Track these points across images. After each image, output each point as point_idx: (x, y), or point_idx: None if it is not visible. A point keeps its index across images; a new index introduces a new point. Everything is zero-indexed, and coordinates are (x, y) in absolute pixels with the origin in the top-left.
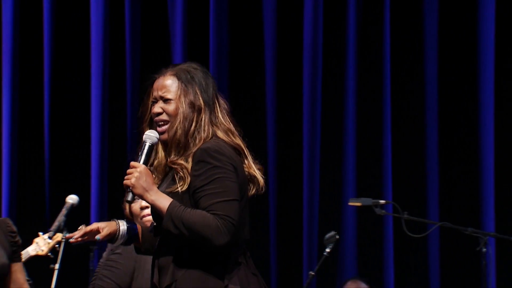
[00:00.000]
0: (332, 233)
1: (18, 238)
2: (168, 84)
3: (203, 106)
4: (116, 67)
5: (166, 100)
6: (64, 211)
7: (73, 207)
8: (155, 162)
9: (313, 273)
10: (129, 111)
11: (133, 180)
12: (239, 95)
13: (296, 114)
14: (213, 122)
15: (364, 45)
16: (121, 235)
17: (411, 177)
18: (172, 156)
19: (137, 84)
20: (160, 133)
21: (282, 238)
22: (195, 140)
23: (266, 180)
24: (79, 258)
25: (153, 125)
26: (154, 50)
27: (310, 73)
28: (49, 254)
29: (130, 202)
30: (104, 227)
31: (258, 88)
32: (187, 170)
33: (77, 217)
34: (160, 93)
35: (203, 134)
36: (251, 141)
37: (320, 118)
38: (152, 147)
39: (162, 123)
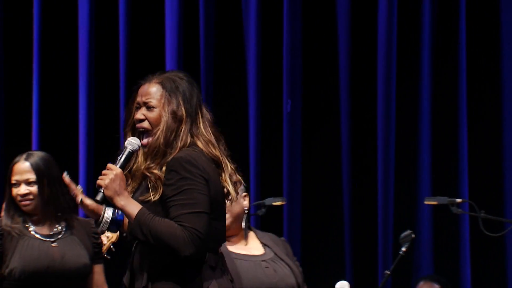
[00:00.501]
0: (408, 232)
1: (101, 239)
2: (153, 92)
3: (184, 117)
4: (190, 66)
5: (149, 108)
6: None
7: None
8: (134, 167)
9: (388, 273)
10: None
11: (106, 181)
12: (312, 93)
13: (370, 113)
14: (193, 133)
15: (439, 43)
16: (104, 221)
17: (488, 175)
18: (148, 163)
19: (211, 82)
20: (144, 146)
21: (357, 238)
22: (171, 149)
23: (340, 180)
24: None
25: (135, 130)
26: (228, 49)
27: (384, 72)
28: (105, 255)
29: (99, 203)
30: (89, 202)
31: (331, 87)
32: (160, 180)
33: None
34: (144, 99)
35: (179, 144)
36: (325, 139)
37: (395, 117)
38: (132, 153)
39: (143, 131)
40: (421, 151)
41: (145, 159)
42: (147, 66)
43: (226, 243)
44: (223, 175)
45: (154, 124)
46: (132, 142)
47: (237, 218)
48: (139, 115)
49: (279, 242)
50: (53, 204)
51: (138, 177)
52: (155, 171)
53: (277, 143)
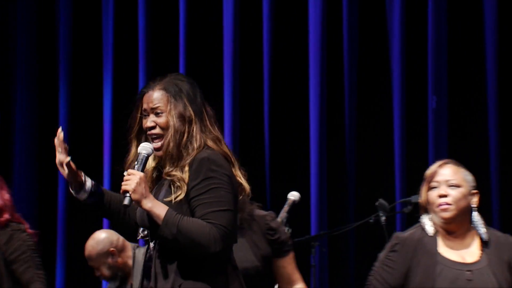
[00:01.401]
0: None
1: (278, 234)
2: (158, 98)
3: (193, 117)
4: (333, 64)
5: (157, 114)
6: (286, 207)
7: (294, 203)
8: (144, 170)
9: None
10: (347, 108)
11: (133, 185)
12: (458, 89)
13: None
14: (203, 131)
15: None
16: (86, 189)
17: None
18: (167, 168)
19: (354, 81)
20: (156, 149)
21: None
22: (187, 150)
23: (488, 176)
24: (300, 253)
25: (140, 137)
26: (372, 47)
27: None
28: None
29: (127, 207)
30: (72, 166)
31: (477, 83)
32: (184, 181)
33: (297, 213)
34: (150, 106)
35: (195, 144)
36: (472, 135)
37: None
38: (148, 158)
39: (156, 136)
40: None
41: (163, 165)
42: (291, 66)
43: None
44: (233, 170)
45: (165, 128)
46: (145, 147)
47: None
48: (149, 122)
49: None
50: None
51: (148, 179)
52: (176, 173)
53: (422, 139)
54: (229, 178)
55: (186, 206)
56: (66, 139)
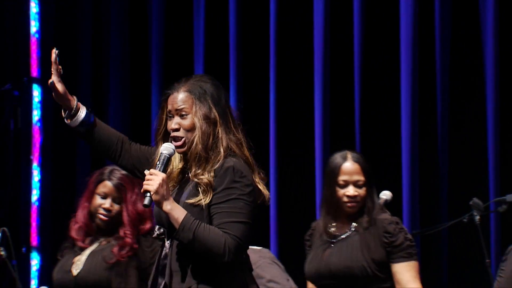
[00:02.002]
0: None
1: (393, 239)
2: (183, 99)
3: (218, 119)
4: (425, 62)
5: (182, 115)
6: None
7: (386, 203)
8: (168, 170)
9: None
10: (439, 107)
11: (155, 186)
12: None
13: None
14: (227, 133)
15: None
16: (76, 119)
17: None
18: (194, 169)
19: (447, 79)
20: (177, 147)
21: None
22: (214, 153)
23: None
24: None
25: (166, 139)
26: (464, 46)
27: None
28: None
29: (147, 207)
30: (63, 89)
31: None
32: (211, 186)
33: (391, 212)
34: (175, 107)
35: (221, 147)
36: None
37: None
38: (170, 158)
39: (178, 139)
40: None
41: (189, 166)
42: (382, 64)
43: None
44: (254, 175)
45: (189, 130)
46: (167, 147)
47: None
48: (174, 124)
49: None
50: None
51: (172, 180)
52: (204, 176)
53: None
54: (251, 190)
55: (206, 212)
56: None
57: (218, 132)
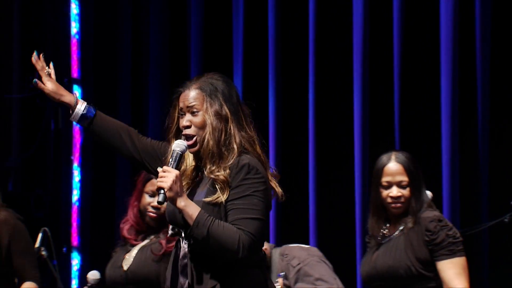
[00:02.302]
0: None
1: (434, 236)
2: (194, 97)
3: (229, 115)
4: (465, 62)
5: (193, 112)
6: None
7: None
8: (182, 167)
9: None
10: (479, 107)
11: (169, 183)
12: None
13: None
14: (239, 130)
15: None
16: (76, 113)
17: None
18: (209, 167)
19: (487, 79)
20: (189, 146)
21: None
22: (228, 150)
23: None
24: None
25: (178, 136)
26: (505, 45)
27: None
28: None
29: (161, 204)
30: (57, 87)
31: None
32: (228, 183)
33: None
34: (187, 105)
35: (235, 144)
36: None
37: None
38: (182, 155)
39: (189, 136)
40: None
41: (204, 163)
42: (421, 64)
43: None
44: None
45: (200, 128)
46: (179, 144)
47: None
48: (185, 121)
49: None
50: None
51: (187, 177)
52: (219, 173)
53: None
54: (265, 188)
55: (223, 208)
56: None
57: (230, 128)
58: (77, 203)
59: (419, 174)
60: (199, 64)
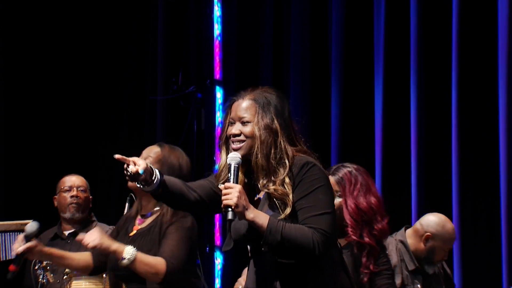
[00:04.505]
0: None
1: None
2: (247, 107)
3: (279, 130)
4: None
5: (244, 122)
6: None
7: None
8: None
9: None
10: None
11: (234, 200)
12: None
13: None
14: (290, 144)
15: None
16: (155, 183)
17: None
18: (262, 181)
19: None
20: (235, 150)
21: None
22: (280, 164)
23: None
24: None
25: (228, 144)
26: None
27: None
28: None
29: (231, 221)
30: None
31: None
32: (288, 196)
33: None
34: (238, 114)
35: (286, 159)
36: None
37: None
38: (239, 167)
39: (238, 142)
40: None
41: (256, 178)
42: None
43: None
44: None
45: (249, 137)
46: (233, 158)
47: None
48: (235, 130)
49: None
50: None
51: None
52: (277, 187)
53: None
54: (326, 182)
55: (294, 212)
56: (336, 139)
57: (280, 143)
58: None
59: None
60: (340, 65)
